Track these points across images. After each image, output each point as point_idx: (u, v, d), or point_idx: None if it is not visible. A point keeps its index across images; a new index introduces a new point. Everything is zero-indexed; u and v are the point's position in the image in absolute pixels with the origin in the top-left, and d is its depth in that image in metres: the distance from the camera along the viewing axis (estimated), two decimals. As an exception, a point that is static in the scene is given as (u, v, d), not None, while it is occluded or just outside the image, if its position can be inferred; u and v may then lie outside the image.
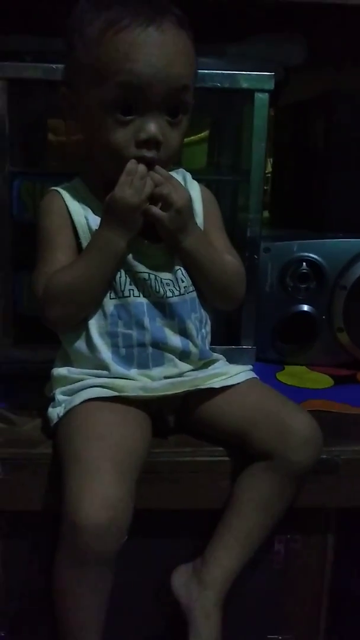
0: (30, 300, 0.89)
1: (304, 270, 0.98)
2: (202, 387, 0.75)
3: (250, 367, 0.81)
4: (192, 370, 0.77)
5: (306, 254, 0.98)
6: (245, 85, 0.86)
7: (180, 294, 0.76)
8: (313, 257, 0.98)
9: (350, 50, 1.24)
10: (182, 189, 0.74)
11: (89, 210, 0.76)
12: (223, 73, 0.86)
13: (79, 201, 0.77)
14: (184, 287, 0.76)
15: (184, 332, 0.76)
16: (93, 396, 0.72)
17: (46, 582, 0.67)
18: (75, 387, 0.74)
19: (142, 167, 0.71)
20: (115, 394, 0.72)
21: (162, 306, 0.75)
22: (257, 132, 0.88)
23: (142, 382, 0.74)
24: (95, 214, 0.76)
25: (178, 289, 0.76)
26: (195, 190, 0.81)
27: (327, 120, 1.04)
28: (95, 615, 0.66)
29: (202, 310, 0.79)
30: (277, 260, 0.98)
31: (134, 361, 0.75)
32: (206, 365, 0.79)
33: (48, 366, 0.78)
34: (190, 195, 0.76)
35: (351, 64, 1.25)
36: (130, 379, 0.74)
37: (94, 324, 0.74)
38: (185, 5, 0.72)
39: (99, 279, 0.73)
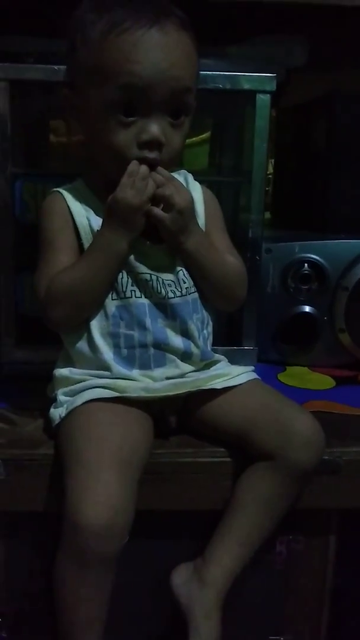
0: (32, 301, 0.89)
1: (306, 271, 0.98)
2: (204, 387, 0.75)
3: (252, 368, 0.81)
4: (194, 371, 0.77)
5: (308, 255, 0.98)
6: (247, 86, 0.86)
7: (181, 295, 0.76)
8: (315, 258, 0.98)
9: (351, 51, 1.24)
10: (184, 190, 0.74)
11: (91, 211, 0.76)
12: (225, 74, 0.86)
13: (80, 202, 0.77)
14: (186, 288, 0.76)
15: (185, 333, 0.76)
16: (95, 397, 0.72)
17: (47, 582, 0.67)
18: (77, 387, 0.74)
19: (144, 168, 0.71)
20: (117, 394, 0.72)
21: (163, 307, 0.75)
22: (258, 133, 0.88)
23: (143, 382, 0.74)
24: (97, 215, 0.76)
25: (180, 289, 0.76)
26: (197, 191, 0.81)
27: (329, 122, 1.04)
28: (96, 615, 0.66)
29: (203, 311, 0.79)
30: (279, 261, 0.98)
31: (135, 362, 0.75)
32: (208, 366, 0.79)
33: (50, 367, 0.79)
34: (192, 197, 0.75)
35: (353, 65, 1.25)
36: (132, 380, 0.74)
37: (95, 325, 0.74)
38: (187, 6, 0.72)
39: (101, 279, 0.73)
